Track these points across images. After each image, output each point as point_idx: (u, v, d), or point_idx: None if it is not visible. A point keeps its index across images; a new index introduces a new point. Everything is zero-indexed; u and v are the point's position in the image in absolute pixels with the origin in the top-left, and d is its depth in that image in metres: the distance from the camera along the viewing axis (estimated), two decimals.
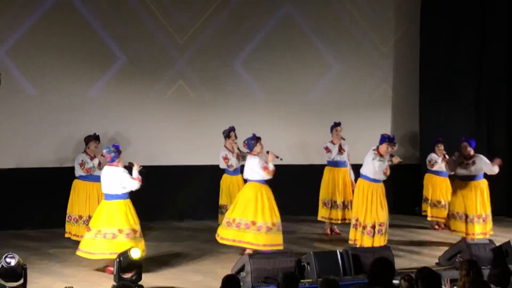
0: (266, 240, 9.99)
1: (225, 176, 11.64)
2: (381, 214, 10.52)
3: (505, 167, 14.14)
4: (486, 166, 11.39)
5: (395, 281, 6.54)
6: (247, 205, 10.09)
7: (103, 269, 9.43)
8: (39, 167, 12.01)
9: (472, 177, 11.44)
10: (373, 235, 10.46)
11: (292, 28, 13.75)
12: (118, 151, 9.43)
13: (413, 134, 14.61)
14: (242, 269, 8.73)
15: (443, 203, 12.77)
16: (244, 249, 10.11)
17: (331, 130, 12.10)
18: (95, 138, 11.04)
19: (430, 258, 10.39)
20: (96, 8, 12.49)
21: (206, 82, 13.22)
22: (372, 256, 8.33)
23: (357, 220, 10.65)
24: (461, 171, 11.49)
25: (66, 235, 10.97)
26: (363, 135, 13.19)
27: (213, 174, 11.85)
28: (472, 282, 6.31)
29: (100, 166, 10.43)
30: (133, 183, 9.32)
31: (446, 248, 10.37)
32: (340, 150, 11.98)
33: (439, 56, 14.41)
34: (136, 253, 8.50)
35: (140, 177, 9.38)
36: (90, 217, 10.12)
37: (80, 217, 10.81)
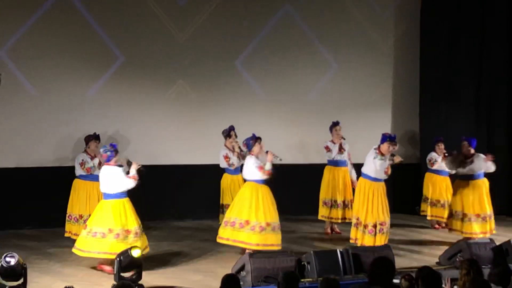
0: (260, 239, 10.00)
1: (225, 175, 11.65)
2: (382, 213, 10.52)
3: (505, 167, 14.21)
4: (484, 164, 11.41)
5: (396, 281, 6.53)
6: (242, 205, 10.15)
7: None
8: (39, 167, 12.01)
9: (472, 176, 11.47)
10: (375, 234, 10.47)
11: (292, 28, 13.76)
12: (114, 150, 9.43)
13: (413, 134, 14.62)
14: (242, 268, 8.72)
15: (442, 202, 12.79)
16: (244, 248, 10.11)
17: (331, 130, 12.11)
18: (95, 137, 11.07)
19: (430, 257, 10.39)
20: (96, 8, 12.49)
21: (206, 82, 13.22)
22: (372, 255, 8.32)
23: (358, 219, 10.66)
24: (461, 170, 11.50)
25: (66, 235, 10.98)
26: (363, 135, 13.19)
27: (213, 173, 11.84)
28: (472, 281, 6.30)
29: (100, 165, 10.40)
30: (128, 182, 9.32)
31: (446, 247, 10.36)
32: (341, 149, 11.99)
33: (439, 56, 14.41)
34: (135, 253, 8.50)
35: (136, 175, 9.37)
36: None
37: (81, 216, 10.81)
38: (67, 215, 11.05)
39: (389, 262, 6.51)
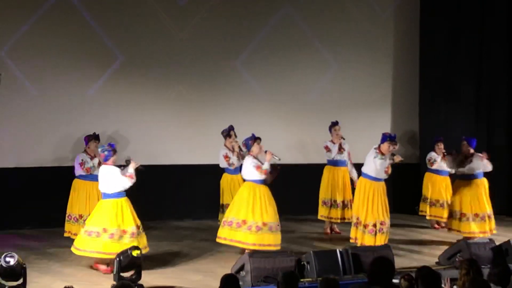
0: (256, 239, 10.00)
1: (225, 175, 11.65)
2: (382, 213, 10.52)
3: (505, 167, 14.21)
4: (482, 164, 11.42)
5: (395, 280, 6.53)
6: (240, 205, 10.17)
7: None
8: (39, 167, 12.02)
9: (471, 176, 11.47)
10: (375, 234, 10.47)
11: (292, 28, 13.75)
12: (112, 150, 9.43)
13: (413, 134, 14.62)
14: (242, 268, 8.73)
15: (441, 202, 12.79)
16: (244, 248, 10.12)
17: (330, 130, 12.11)
18: (95, 137, 11.07)
19: (430, 257, 10.39)
20: (96, 8, 12.49)
21: (206, 82, 13.22)
22: (372, 255, 8.32)
23: (357, 218, 10.66)
24: (461, 170, 11.51)
25: (66, 235, 10.97)
26: (363, 134, 13.20)
27: (213, 173, 11.84)
28: (472, 281, 6.30)
29: (100, 165, 10.42)
30: (124, 181, 9.31)
31: (446, 247, 10.37)
32: (340, 149, 11.99)
33: (439, 56, 14.41)
34: (134, 252, 8.51)
35: (132, 174, 9.36)
36: None
37: (81, 216, 10.81)
38: (66, 215, 11.06)
39: (388, 262, 6.51)
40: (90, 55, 12.42)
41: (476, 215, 11.38)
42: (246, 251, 9.83)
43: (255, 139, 10.32)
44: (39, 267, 9.47)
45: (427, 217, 12.97)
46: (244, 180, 10.52)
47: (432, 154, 12.85)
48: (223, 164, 11.64)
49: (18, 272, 7.87)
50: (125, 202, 9.40)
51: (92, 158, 10.88)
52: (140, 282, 8.48)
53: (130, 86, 12.73)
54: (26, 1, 12.08)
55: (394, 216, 11.69)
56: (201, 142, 12.96)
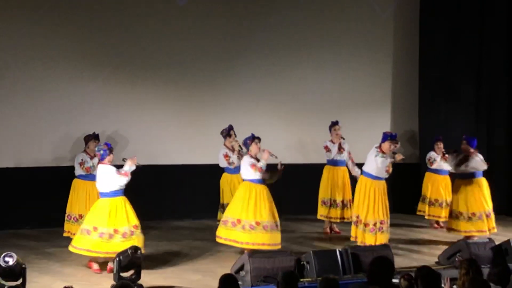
0: (249, 238, 10.02)
1: (225, 175, 11.66)
2: (382, 212, 10.52)
3: (505, 167, 14.21)
4: (479, 163, 11.43)
5: (395, 280, 6.53)
6: (236, 204, 10.21)
7: (103, 268, 9.43)
8: (39, 167, 12.02)
9: (470, 175, 11.46)
10: (375, 233, 10.47)
11: (292, 28, 13.74)
12: (108, 149, 9.45)
13: (413, 134, 14.62)
14: (241, 268, 8.72)
15: (440, 201, 12.80)
16: (243, 248, 10.12)
17: (330, 130, 12.11)
18: (95, 137, 11.08)
19: (429, 257, 10.39)
20: (96, 8, 12.49)
21: (206, 82, 13.22)
22: (372, 255, 8.31)
23: (358, 217, 10.67)
24: (463, 169, 11.50)
25: (65, 234, 10.97)
26: (363, 134, 13.19)
27: (213, 173, 11.84)
28: (471, 281, 6.30)
29: None
30: (120, 179, 9.31)
31: (445, 247, 10.37)
32: (340, 149, 11.99)
33: (438, 55, 14.40)
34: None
35: (127, 171, 9.36)
36: None
37: (80, 216, 10.80)
38: (66, 215, 11.06)
39: (388, 261, 6.50)
40: (90, 55, 12.42)
41: (473, 214, 11.38)
42: (246, 251, 9.84)
43: (253, 138, 10.33)
44: (38, 267, 9.47)
45: (426, 217, 12.98)
46: (243, 180, 10.52)
47: (432, 154, 12.85)
48: (223, 163, 11.64)
49: (17, 272, 7.87)
50: (122, 202, 9.39)
51: (91, 157, 10.89)
52: (140, 282, 8.49)
53: (130, 86, 12.73)
54: (26, 1, 12.08)
55: (394, 216, 11.68)
56: (201, 142, 12.96)
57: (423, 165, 13.33)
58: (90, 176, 10.76)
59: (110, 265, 9.21)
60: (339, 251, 9.05)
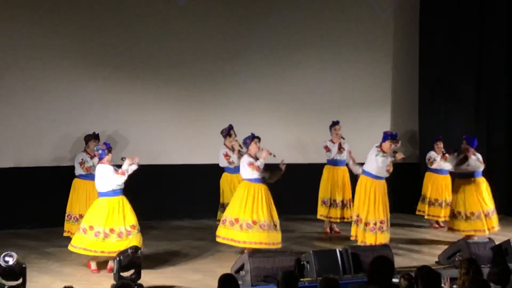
0: (247, 237, 10.02)
1: (225, 174, 11.66)
2: (382, 212, 10.53)
3: (505, 167, 14.21)
4: (476, 162, 11.43)
5: (395, 280, 6.53)
6: (234, 204, 10.23)
7: (103, 268, 9.43)
8: (39, 166, 12.03)
9: (470, 175, 11.47)
10: (376, 232, 10.47)
11: (292, 28, 13.74)
12: (107, 149, 9.46)
13: (413, 134, 14.61)
14: (241, 268, 8.73)
15: (440, 201, 12.80)
16: (243, 247, 10.12)
17: (330, 129, 12.11)
18: (95, 137, 11.09)
19: (429, 256, 10.39)
20: (96, 8, 12.49)
21: (206, 82, 13.22)
22: (372, 254, 8.30)
23: (358, 216, 10.67)
24: (464, 168, 11.51)
25: (66, 234, 10.98)
26: (363, 134, 13.19)
27: (213, 173, 11.84)
28: (471, 280, 6.31)
29: None
30: (117, 178, 9.31)
31: (445, 246, 10.36)
32: (340, 149, 11.99)
33: (438, 55, 14.40)
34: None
35: (125, 171, 9.36)
36: None
37: (81, 216, 10.78)
38: (66, 215, 11.07)
39: (388, 261, 6.50)
40: (90, 55, 12.42)
41: (472, 213, 11.38)
42: (246, 250, 9.84)
43: (253, 138, 10.34)
44: (38, 267, 9.47)
45: (425, 217, 12.98)
46: (243, 180, 10.53)
47: (432, 154, 12.86)
48: (223, 163, 11.65)
49: (17, 272, 7.88)
50: (120, 201, 9.39)
51: (91, 157, 10.90)
52: (140, 281, 8.50)
53: (130, 86, 12.73)
54: (26, 1, 12.08)
55: (394, 215, 11.68)
56: (201, 142, 12.96)
57: (423, 165, 13.33)
58: (90, 176, 10.75)
59: (110, 264, 9.22)
60: (339, 251, 9.05)
